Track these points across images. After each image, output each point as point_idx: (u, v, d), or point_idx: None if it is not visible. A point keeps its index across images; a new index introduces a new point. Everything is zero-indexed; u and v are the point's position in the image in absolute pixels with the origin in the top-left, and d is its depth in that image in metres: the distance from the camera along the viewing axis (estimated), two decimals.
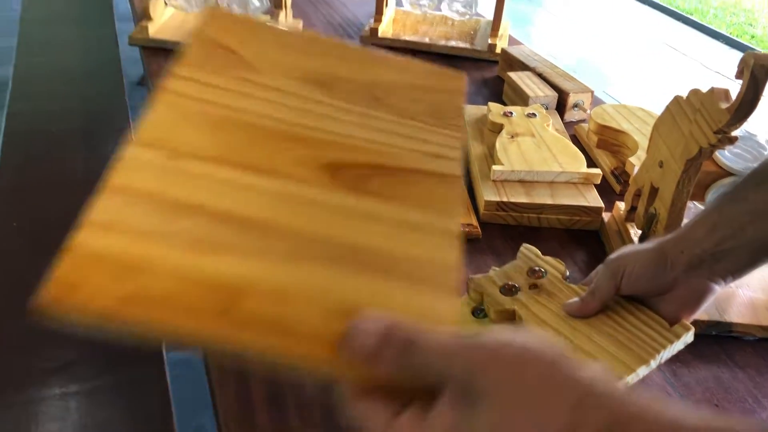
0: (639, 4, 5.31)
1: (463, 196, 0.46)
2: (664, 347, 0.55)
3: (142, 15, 1.23)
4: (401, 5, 1.43)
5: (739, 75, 0.59)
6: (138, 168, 0.39)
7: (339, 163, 0.44)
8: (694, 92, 0.67)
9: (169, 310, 0.33)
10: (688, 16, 5.03)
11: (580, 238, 0.83)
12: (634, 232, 0.79)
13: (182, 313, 0.33)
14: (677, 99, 0.71)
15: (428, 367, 0.34)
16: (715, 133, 0.62)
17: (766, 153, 0.69)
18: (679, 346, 0.56)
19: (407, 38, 1.35)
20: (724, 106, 0.62)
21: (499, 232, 0.83)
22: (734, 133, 0.63)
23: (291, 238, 0.39)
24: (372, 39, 1.34)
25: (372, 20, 1.37)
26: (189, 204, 0.38)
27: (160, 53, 1.20)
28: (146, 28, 1.21)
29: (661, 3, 5.28)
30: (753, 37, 4.74)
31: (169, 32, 1.24)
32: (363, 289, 0.38)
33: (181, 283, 0.34)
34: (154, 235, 0.36)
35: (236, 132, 0.44)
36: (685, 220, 0.72)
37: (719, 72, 4.07)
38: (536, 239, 0.82)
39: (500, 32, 1.34)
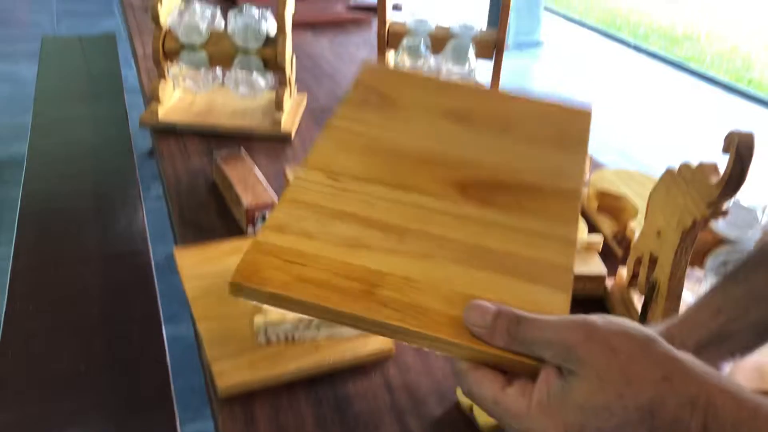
0: (636, 53, 5.41)
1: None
2: None
3: (152, 97, 1.28)
4: None
5: (726, 150, 0.62)
6: (305, 186, 0.52)
7: (468, 181, 0.54)
8: (686, 166, 0.70)
9: (324, 290, 0.43)
10: (686, 63, 5.11)
11: (585, 306, 0.84)
12: (638, 298, 0.81)
13: (334, 293, 0.43)
14: (670, 172, 0.73)
15: (533, 340, 0.40)
16: (706, 206, 0.64)
17: (758, 221, 0.70)
18: None
19: None
20: (713, 180, 0.64)
21: None
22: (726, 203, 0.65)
23: (424, 241, 0.48)
24: None
25: None
26: (343, 213, 0.50)
27: (170, 134, 1.25)
28: (156, 111, 1.25)
29: (659, 52, 5.37)
30: (750, 81, 4.81)
31: (178, 114, 1.28)
32: (484, 282, 0.46)
33: (334, 271, 0.45)
34: (314, 235, 0.47)
35: (383, 157, 0.55)
36: (685, 288, 0.73)
37: (721, 119, 4.12)
38: None
39: None
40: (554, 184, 0.54)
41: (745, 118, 4.15)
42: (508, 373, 0.41)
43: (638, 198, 0.99)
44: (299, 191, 0.51)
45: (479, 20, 1.22)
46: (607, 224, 1.00)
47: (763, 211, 0.70)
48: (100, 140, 1.84)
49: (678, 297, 0.72)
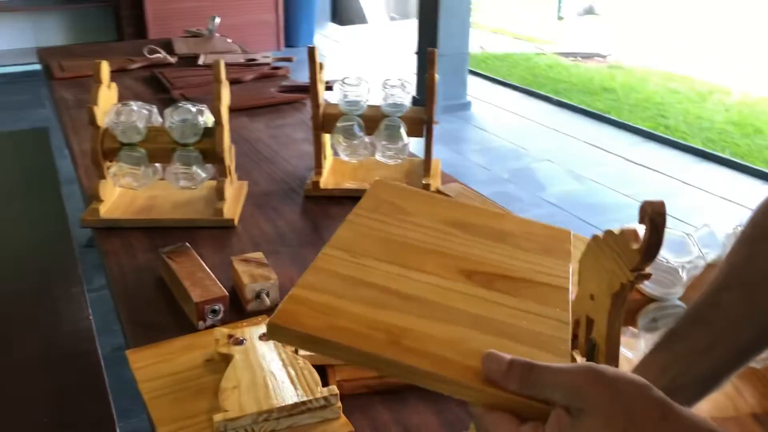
0: (553, 107, 5.67)
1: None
2: None
3: (92, 197, 1.29)
4: (337, 154, 1.52)
5: (641, 221, 0.67)
6: (330, 260, 0.58)
7: (472, 270, 0.60)
8: (609, 232, 0.75)
9: (353, 337, 0.49)
10: (606, 115, 5.39)
11: None
12: (580, 358, 0.85)
13: (363, 340, 0.49)
14: (596, 238, 0.78)
15: (545, 384, 0.45)
16: (631, 271, 0.70)
17: (680, 279, 0.76)
18: None
19: (347, 186, 1.43)
20: (635, 246, 0.69)
21: None
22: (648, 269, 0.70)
23: (439, 308, 0.54)
24: (314, 191, 1.42)
25: (313, 173, 1.46)
26: (365, 282, 0.56)
27: (113, 231, 1.25)
28: (97, 210, 1.26)
29: (579, 105, 5.65)
30: (667, 127, 5.09)
31: (120, 211, 1.29)
32: (495, 344, 0.51)
33: (361, 323, 0.51)
34: (341, 295, 0.53)
35: (396, 246, 0.62)
36: (622, 345, 0.78)
37: (641, 164, 4.34)
38: None
39: (432, 171, 1.44)
40: (546, 280, 0.62)
41: (662, 160, 4.38)
42: (520, 413, 0.46)
43: (574, 260, 1.05)
44: (325, 262, 0.58)
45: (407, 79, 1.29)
46: None
47: (683, 269, 0.75)
48: (38, 238, 1.82)
49: (616, 355, 0.76)
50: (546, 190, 3.87)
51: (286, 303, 0.52)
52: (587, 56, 7.75)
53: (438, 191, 1.34)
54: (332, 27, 8.82)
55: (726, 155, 4.54)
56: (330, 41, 7.85)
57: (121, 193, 1.36)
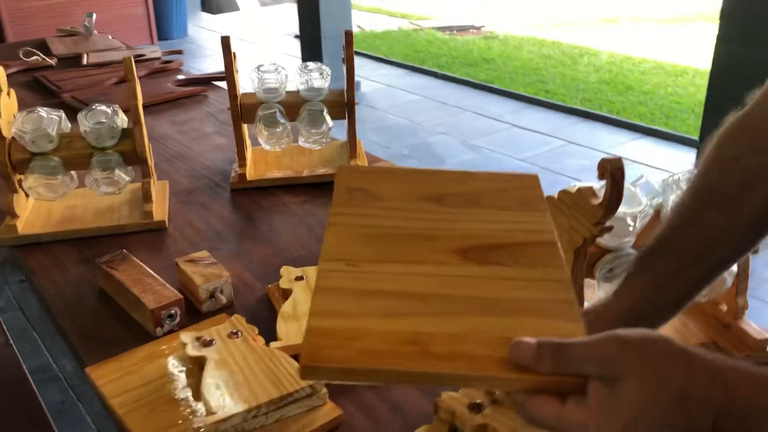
0: (438, 80, 5.80)
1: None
2: None
3: (6, 212, 1.20)
4: (257, 144, 1.49)
5: (601, 177, 0.72)
6: (331, 276, 0.57)
7: (464, 248, 0.61)
8: (564, 192, 0.79)
9: (385, 358, 0.48)
10: (489, 84, 5.57)
11: None
12: None
13: (395, 359, 0.48)
14: (550, 198, 0.82)
15: (575, 361, 0.47)
16: (594, 225, 0.74)
17: (632, 228, 0.82)
18: None
19: (274, 175, 1.41)
20: (595, 202, 0.74)
21: None
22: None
23: (446, 302, 0.54)
24: (241, 183, 1.39)
25: (236, 165, 1.42)
26: (372, 291, 0.55)
27: (34, 247, 1.18)
28: (14, 227, 1.18)
29: (462, 77, 5.80)
30: (547, 92, 5.34)
31: (40, 225, 1.21)
32: (510, 325, 0.52)
33: (387, 340, 0.50)
34: (356, 313, 0.52)
35: (385, 240, 0.61)
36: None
37: (529, 128, 4.53)
38: None
39: (357, 152, 1.45)
40: (534, 238, 0.63)
41: (547, 123, 4.60)
42: (558, 392, 0.48)
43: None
44: (327, 280, 0.56)
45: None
46: None
47: (635, 218, 0.81)
48: None
49: (581, 306, 0.81)
50: (445, 162, 3.97)
51: (309, 338, 0.50)
52: (462, 29, 7.95)
53: None
54: (204, 16, 8.56)
55: (603, 113, 4.82)
56: (204, 31, 7.61)
57: (35, 207, 1.27)
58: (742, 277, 0.87)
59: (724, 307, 0.91)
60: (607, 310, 0.68)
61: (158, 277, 0.99)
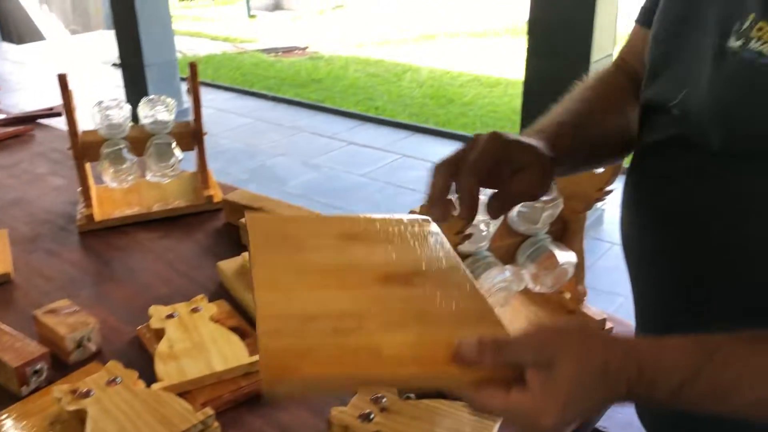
0: (269, 102, 5.82)
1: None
2: None
3: None
4: (101, 182, 1.44)
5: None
6: (270, 304, 0.58)
7: (386, 274, 0.65)
8: (422, 207, 0.86)
9: (345, 365, 0.52)
10: (321, 104, 5.67)
11: None
12: None
13: (351, 366, 0.52)
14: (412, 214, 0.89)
15: (513, 353, 0.54)
16: (455, 234, 0.81)
17: (484, 234, 0.90)
18: None
19: (125, 213, 1.36)
20: (455, 213, 0.81)
21: None
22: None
23: (385, 317, 0.59)
24: (90, 225, 1.33)
25: (81, 207, 1.36)
26: (314, 315, 0.57)
27: None
28: None
29: (294, 98, 5.86)
30: (377, 108, 5.54)
31: None
32: (447, 333, 0.57)
33: (342, 350, 0.53)
34: (304, 333, 0.55)
35: (313, 272, 0.64)
36: None
37: (364, 144, 4.67)
38: None
39: (209, 182, 1.44)
40: (443, 264, 0.69)
41: (380, 138, 4.77)
42: (501, 382, 0.54)
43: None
44: (267, 308, 0.58)
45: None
46: None
47: (487, 225, 0.89)
48: None
49: None
50: (287, 183, 3.99)
51: (266, 357, 0.51)
52: (288, 50, 8.03)
53: (225, 201, 1.35)
54: (6, 47, 7.92)
55: (430, 125, 5.09)
56: (10, 63, 7.05)
57: None
58: (580, 267, 0.99)
59: (568, 295, 1.03)
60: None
61: (16, 333, 0.93)
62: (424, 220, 0.77)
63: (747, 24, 0.62)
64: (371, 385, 0.54)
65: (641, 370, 0.54)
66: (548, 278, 0.94)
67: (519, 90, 3.35)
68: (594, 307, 1.02)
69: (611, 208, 3.31)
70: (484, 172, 0.65)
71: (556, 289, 1.00)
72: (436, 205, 0.66)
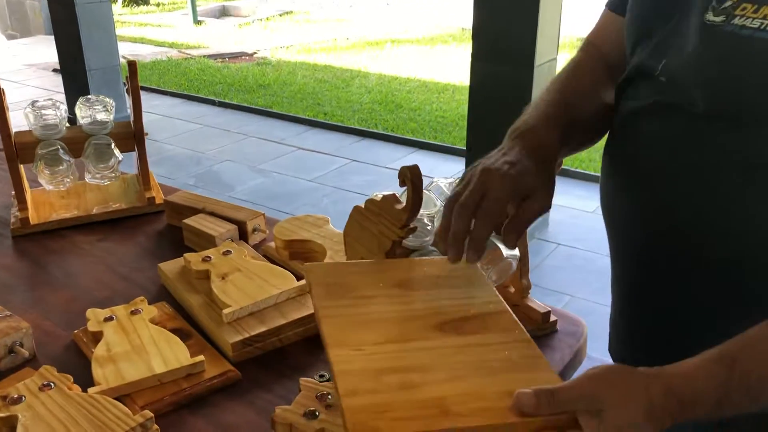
0: (216, 108, 5.75)
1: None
2: None
3: None
4: (37, 185, 1.39)
5: (402, 184, 0.79)
6: (344, 359, 0.64)
7: (440, 322, 0.71)
8: (371, 201, 0.86)
9: (418, 423, 0.57)
10: (269, 109, 5.62)
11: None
12: None
13: (426, 422, 0.57)
14: (358, 208, 0.88)
15: (566, 402, 0.58)
16: (401, 228, 0.81)
17: (429, 228, 0.90)
18: None
19: (62, 216, 1.32)
20: (399, 207, 0.81)
21: (254, 366, 0.91)
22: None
23: (445, 368, 0.64)
24: (24, 228, 1.28)
25: (15, 210, 1.31)
26: (381, 369, 0.63)
27: None
28: None
29: (241, 104, 5.80)
30: (325, 114, 5.52)
31: None
32: (504, 381, 0.62)
33: (412, 408, 0.59)
34: (377, 389, 0.60)
35: (373, 326, 0.70)
36: None
37: (313, 149, 4.65)
38: (287, 357, 0.93)
39: (151, 184, 1.41)
40: (491, 309, 0.74)
41: (329, 143, 4.76)
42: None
43: (318, 237, 1.14)
44: (342, 364, 0.63)
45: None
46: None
47: (432, 219, 0.89)
48: None
49: None
50: (234, 188, 3.94)
51: (350, 416, 0.57)
52: (234, 56, 7.94)
53: (167, 202, 1.32)
54: None
55: (379, 130, 5.10)
56: None
57: None
58: (524, 261, 1.00)
59: (512, 289, 1.03)
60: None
61: None
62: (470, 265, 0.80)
63: (729, 3, 0.70)
64: None
65: (681, 402, 0.59)
66: (492, 272, 0.95)
67: (466, 96, 3.38)
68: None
69: (556, 209, 3.38)
70: (497, 218, 0.74)
71: (500, 283, 1.01)
72: (453, 247, 0.74)
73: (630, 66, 0.85)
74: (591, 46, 0.97)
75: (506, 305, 0.75)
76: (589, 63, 0.95)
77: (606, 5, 0.95)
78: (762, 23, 0.66)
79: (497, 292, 0.78)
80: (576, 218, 3.57)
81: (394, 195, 0.82)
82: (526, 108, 0.86)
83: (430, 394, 0.61)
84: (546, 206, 0.76)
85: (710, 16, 0.71)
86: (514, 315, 0.73)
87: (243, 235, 1.22)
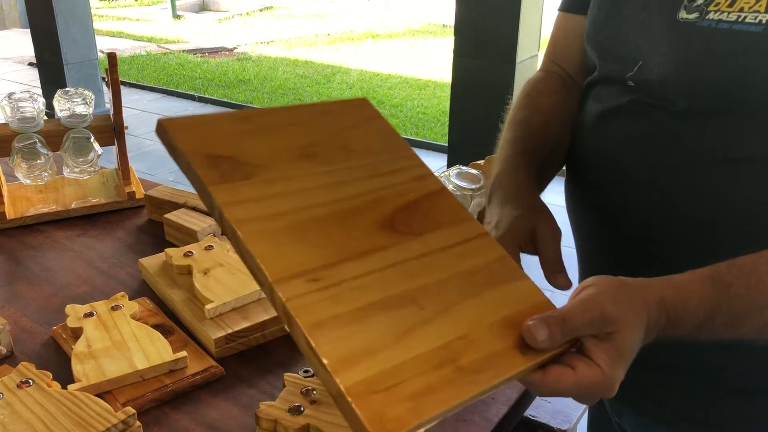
0: (196, 103, 5.70)
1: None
2: None
3: None
4: (14, 179, 1.36)
5: None
6: (303, 304, 0.46)
7: (386, 219, 0.55)
8: None
9: (438, 396, 0.45)
10: (249, 105, 5.59)
11: None
12: None
13: (445, 393, 0.45)
14: None
15: (578, 328, 0.53)
16: None
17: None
18: None
19: (40, 211, 1.30)
20: None
21: (237, 362, 0.90)
22: None
23: (427, 296, 0.51)
24: (1, 223, 1.25)
25: None
26: (357, 309, 0.47)
27: None
28: None
29: (221, 99, 5.76)
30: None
31: None
32: (490, 304, 0.54)
33: (420, 370, 0.45)
34: (368, 346, 0.45)
35: (311, 234, 0.51)
36: None
37: None
38: (271, 353, 0.92)
39: (131, 178, 1.39)
40: (427, 189, 0.61)
41: None
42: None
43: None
44: (306, 312, 0.46)
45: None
46: None
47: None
48: None
49: None
50: None
51: (360, 403, 0.42)
52: (214, 51, 7.88)
53: (148, 197, 1.30)
54: None
55: None
56: None
57: None
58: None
59: None
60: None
61: None
62: (361, 101, 0.65)
63: (701, 0, 0.69)
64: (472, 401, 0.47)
65: (669, 317, 0.58)
66: None
67: (447, 92, 3.38)
68: None
69: None
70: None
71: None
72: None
73: (599, 70, 0.83)
74: (551, 64, 0.94)
75: (435, 175, 0.63)
76: (548, 84, 0.91)
77: (559, 9, 0.91)
78: (739, 16, 0.66)
79: (415, 152, 0.63)
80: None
81: None
82: (497, 147, 0.86)
83: (428, 341, 0.47)
84: (556, 231, 0.72)
85: (683, 14, 0.70)
86: (452, 194, 0.61)
87: None
